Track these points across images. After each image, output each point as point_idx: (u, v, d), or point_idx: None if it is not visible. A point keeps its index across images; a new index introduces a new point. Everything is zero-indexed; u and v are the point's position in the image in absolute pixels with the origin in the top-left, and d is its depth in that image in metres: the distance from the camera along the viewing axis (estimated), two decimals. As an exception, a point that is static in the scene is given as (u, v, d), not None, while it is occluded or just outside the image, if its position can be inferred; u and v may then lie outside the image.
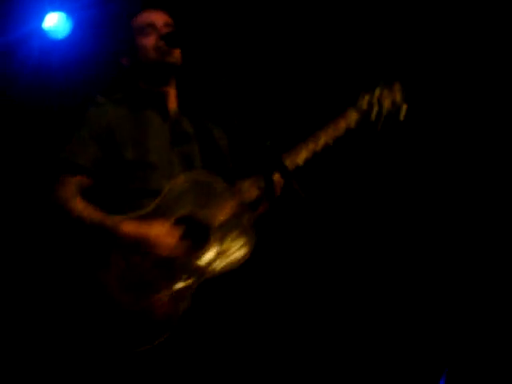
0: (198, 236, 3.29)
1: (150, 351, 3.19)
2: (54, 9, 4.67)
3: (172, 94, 3.57)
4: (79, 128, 3.40)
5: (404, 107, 3.60)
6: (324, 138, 3.50)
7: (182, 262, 3.25)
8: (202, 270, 3.26)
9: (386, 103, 3.61)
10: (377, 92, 3.62)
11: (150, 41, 3.47)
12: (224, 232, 3.32)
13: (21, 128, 4.73)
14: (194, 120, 3.58)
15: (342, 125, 3.55)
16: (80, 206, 3.28)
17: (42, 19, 4.67)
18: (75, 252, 3.40)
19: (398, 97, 3.62)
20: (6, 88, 4.64)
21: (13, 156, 4.72)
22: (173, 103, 3.56)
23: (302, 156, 3.44)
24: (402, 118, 3.59)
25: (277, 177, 3.39)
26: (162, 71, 3.50)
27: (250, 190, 3.37)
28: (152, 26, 3.49)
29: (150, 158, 3.38)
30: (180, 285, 3.24)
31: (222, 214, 3.33)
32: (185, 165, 3.44)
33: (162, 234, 3.24)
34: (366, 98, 3.61)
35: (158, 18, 3.52)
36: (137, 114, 3.46)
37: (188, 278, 3.25)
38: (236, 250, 3.32)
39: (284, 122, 4.83)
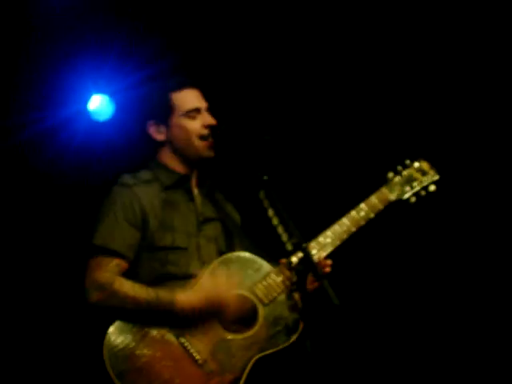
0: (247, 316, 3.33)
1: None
2: (99, 91, 4.79)
3: (195, 176, 3.61)
4: (112, 211, 3.39)
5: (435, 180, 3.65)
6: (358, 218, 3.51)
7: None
8: (253, 348, 3.28)
9: (418, 181, 3.63)
10: (408, 171, 3.65)
11: (194, 126, 3.50)
12: (271, 310, 3.35)
13: (62, 207, 4.81)
14: (211, 199, 3.63)
15: (378, 205, 3.56)
16: (126, 284, 3.25)
17: (86, 101, 4.79)
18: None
19: (430, 171, 3.66)
20: (50, 168, 4.73)
21: (53, 236, 4.80)
22: (195, 185, 3.60)
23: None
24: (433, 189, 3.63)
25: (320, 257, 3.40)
26: (197, 160, 3.54)
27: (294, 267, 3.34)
28: (198, 110, 3.52)
29: (181, 242, 3.41)
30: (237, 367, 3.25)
31: (268, 292, 3.35)
32: (211, 246, 3.48)
33: (224, 286, 3.28)
34: (397, 178, 3.63)
35: (202, 102, 3.56)
36: (165, 195, 3.49)
37: (243, 356, 3.26)
38: (282, 331, 3.33)
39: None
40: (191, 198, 3.54)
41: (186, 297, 3.24)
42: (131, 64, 4.72)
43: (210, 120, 3.51)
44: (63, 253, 4.72)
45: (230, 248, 3.54)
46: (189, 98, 3.55)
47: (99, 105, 4.80)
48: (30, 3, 4.41)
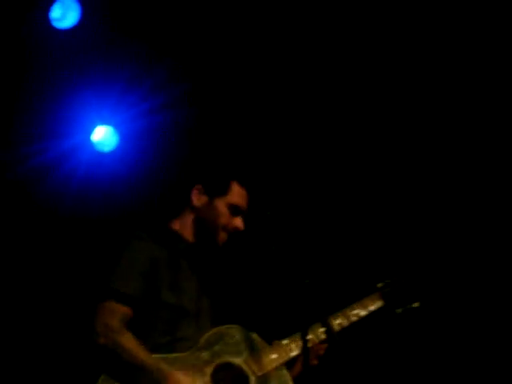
0: None
1: None
2: (103, 122, 4.73)
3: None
4: (129, 260, 3.39)
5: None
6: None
7: None
8: None
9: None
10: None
11: (229, 220, 3.53)
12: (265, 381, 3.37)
13: (65, 239, 4.74)
14: (213, 268, 3.67)
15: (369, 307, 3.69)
16: (132, 341, 3.24)
17: (90, 132, 4.73)
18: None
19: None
20: (53, 199, 4.66)
21: (55, 270, 4.72)
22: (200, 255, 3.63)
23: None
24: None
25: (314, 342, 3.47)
26: (209, 243, 3.57)
27: (288, 348, 3.43)
28: (239, 211, 3.56)
29: (186, 303, 3.43)
30: None
31: (262, 366, 3.37)
32: (210, 314, 3.51)
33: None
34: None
35: (245, 208, 3.59)
36: (175, 258, 3.50)
37: None
38: None
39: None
40: (196, 266, 3.57)
41: (182, 379, 3.22)
42: (136, 94, 4.66)
43: (240, 225, 3.56)
44: (66, 286, 4.63)
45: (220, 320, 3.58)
46: (243, 197, 3.59)
47: (103, 136, 4.74)
48: (34, 32, 4.35)
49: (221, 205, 3.54)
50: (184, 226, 3.57)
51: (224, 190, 3.56)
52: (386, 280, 3.76)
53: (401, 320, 3.78)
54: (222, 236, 3.55)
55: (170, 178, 4.47)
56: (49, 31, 4.41)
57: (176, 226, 3.57)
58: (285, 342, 3.43)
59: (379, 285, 3.75)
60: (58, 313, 4.67)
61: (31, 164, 4.54)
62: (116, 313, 3.26)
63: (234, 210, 3.55)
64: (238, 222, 3.56)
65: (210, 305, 3.55)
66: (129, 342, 3.22)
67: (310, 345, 3.28)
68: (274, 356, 3.41)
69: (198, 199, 3.56)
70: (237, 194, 3.57)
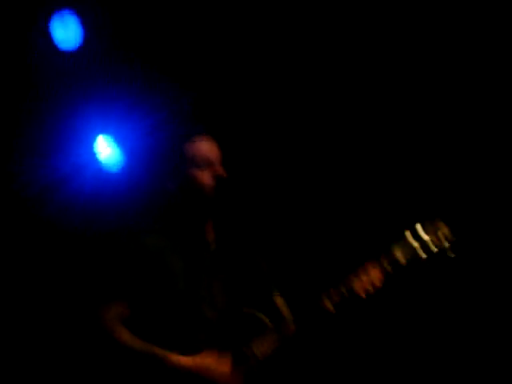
0: None
1: None
2: (109, 140, 4.76)
3: (210, 225, 3.55)
4: (122, 257, 3.38)
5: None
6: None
7: None
8: None
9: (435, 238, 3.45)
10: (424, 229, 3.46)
11: (207, 178, 3.45)
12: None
13: (71, 255, 4.74)
14: (231, 251, 3.57)
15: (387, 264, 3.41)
16: (125, 336, 3.23)
17: (96, 150, 4.76)
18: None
19: (445, 231, 3.46)
20: (59, 216, 4.67)
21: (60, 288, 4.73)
22: (211, 235, 3.54)
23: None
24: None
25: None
26: (206, 209, 3.49)
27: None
28: (210, 163, 3.48)
29: (193, 291, 3.36)
30: None
31: (264, 350, 3.30)
32: (225, 297, 3.44)
33: (217, 363, 3.21)
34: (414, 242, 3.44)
35: (216, 155, 3.52)
36: (179, 245, 3.45)
37: None
38: None
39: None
40: (204, 246, 3.50)
41: (180, 359, 3.20)
42: (142, 111, 4.70)
43: (220, 171, 3.47)
44: (70, 304, 4.58)
45: (244, 297, 3.49)
46: (201, 149, 3.51)
47: (110, 155, 4.76)
48: (37, 47, 4.44)
49: (190, 172, 3.46)
50: (179, 212, 3.51)
51: (181, 159, 3.49)
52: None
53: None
54: (211, 195, 3.44)
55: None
56: (51, 49, 4.50)
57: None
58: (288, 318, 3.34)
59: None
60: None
61: (36, 183, 4.59)
62: (110, 311, 3.25)
63: (206, 164, 3.46)
64: (216, 170, 3.46)
65: (232, 285, 3.49)
66: (122, 337, 3.21)
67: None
68: (272, 340, 3.30)
69: (170, 183, 3.51)
70: (195, 151, 3.48)
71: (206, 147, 3.51)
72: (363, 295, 3.32)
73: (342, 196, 4.98)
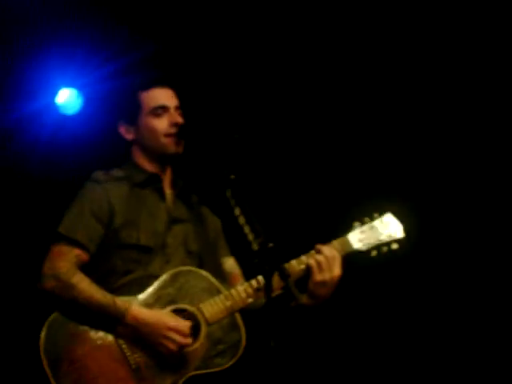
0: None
1: None
2: (66, 85, 4.75)
3: (168, 177, 3.58)
4: (80, 203, 3.39)
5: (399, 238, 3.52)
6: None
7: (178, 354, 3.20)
8: (188, 366, 3.23)
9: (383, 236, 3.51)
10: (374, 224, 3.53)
11: (161, 124, 3.47)
12: (213, 331, 3.28)
13: (28, 201, 4.75)
14: (188, 204, 3.60)
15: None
16: (85, 281, 3.23)
17: (54, 94, 4.75)
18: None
19: (396, 228, 3.53)
20: (18, 161, 4.69)
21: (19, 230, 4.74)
22: (168, 186, 3.57)
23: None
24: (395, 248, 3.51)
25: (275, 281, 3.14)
26: (165, 157, 3.51)
27: (243, 294, 3.31)
28: (164, 108, 3.50)
29: (146, 240, 3.39)
30: (168, 381, 3.21)
31: (214, 313, 3.28)
32: (179, 247, 3.46)
33: (177, 323, 3.21)
34: (362, 229, 3.50)
35: (171, 101, 3.54)
36: (135, 193, 3.47)
37: (175, 372, 3.22)
38: (220, 355, 3.28)
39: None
40: (162, 198, 3.52)
41: (140, 312, 3.22)
42: (100, 57, 4.68)
43: (177, 118, 3.48)
44: (29, 248, 4.62)
45: (200, 250, 3.53)
46: (156, 97, 3.52)
47: (67, 99, 4.76)
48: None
49: (146, 119, 3.49)
50: (138, 161, 3.54)
51: (137, 107, 3.51)
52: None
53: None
54: (169, 141, 3.45)
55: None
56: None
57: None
58: (241, 288, 3.32)
59: (355, 223, 3.51)
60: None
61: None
62: (66, 255, 3.26)
63: (160, 111, 3.48)
64: (172, 118, 3.48)
65: (188, 233, 3.51)
66: (82, 282, 3.21)
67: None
68: (229, 303, 3.29)
69: (128, 133, 3.54)
70: (151, 98, 3.50)
71: (161, 95, 3.53)
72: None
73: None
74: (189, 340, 3.21)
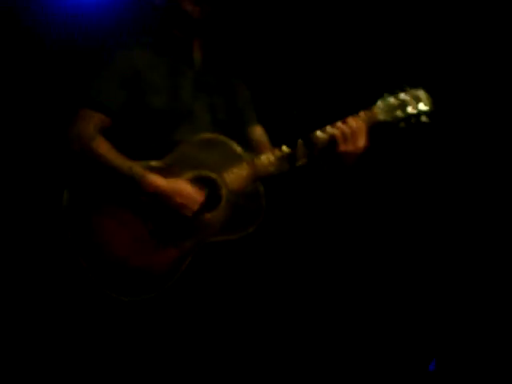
0: (210, 198, 3.27)
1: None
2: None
3: (198, 44, 3.52)
4: (105, 68, 3.39)
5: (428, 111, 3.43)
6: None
7: (195, 221, 3.24)
8: (207, 232, 3.25)
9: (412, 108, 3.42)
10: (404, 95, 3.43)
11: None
12: (235, 199, 3.29)
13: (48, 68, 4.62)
14: (218, 74, 3.57)
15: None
16: (104, 146, 3.25)
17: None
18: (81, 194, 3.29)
19: (426, 102, 3.43)
20: (39, 28, 4.54)
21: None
22: (198, 54, 3.52)
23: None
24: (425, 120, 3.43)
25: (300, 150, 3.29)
26: (197, 27, 3.45)
27: (266, 162, 3.29)
28: None
29: (172, 106, 3.37)
30: (187, 244, 3.24)
31: (236, 181, 3.28)
32: (206, 116, 3.44)
33: (192, 191, 3.22)
34: (391, 100, 3.41)
35: None
36: (163, 60, 3.44)
37: (194, 237, 3.25)
38: (241, 222, 3.29)
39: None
40: (190, 65, 3.50)
41: (156, 180, 3.24)
42: None
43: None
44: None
45: (228, 118, 3.52)
46: None
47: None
48: None
49: None
50: (167, 26, 3.48)
51: None
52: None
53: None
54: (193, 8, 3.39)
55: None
56: None
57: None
58: (264, 156, 3.31)
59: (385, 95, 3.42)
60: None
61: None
62: (89, 118, 3.28)
63: None
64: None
65: (218, 101, 3.50)
66: (101, 146, 3.24)
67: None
68: (250, 171, 3.30)
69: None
70: None
71: None
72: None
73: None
74: (203, 208, 3.22)
